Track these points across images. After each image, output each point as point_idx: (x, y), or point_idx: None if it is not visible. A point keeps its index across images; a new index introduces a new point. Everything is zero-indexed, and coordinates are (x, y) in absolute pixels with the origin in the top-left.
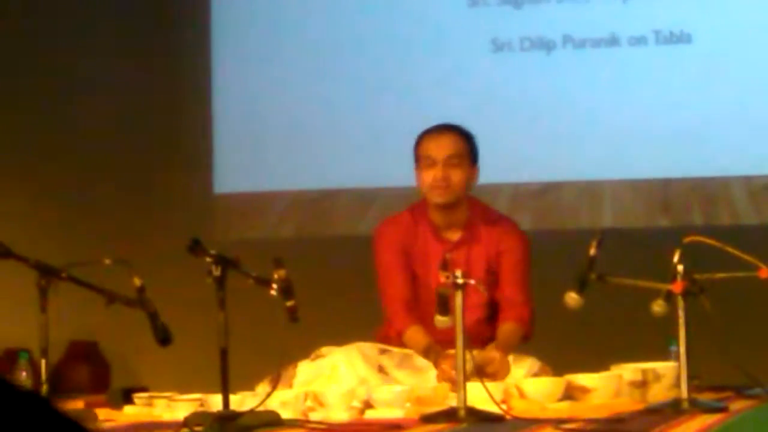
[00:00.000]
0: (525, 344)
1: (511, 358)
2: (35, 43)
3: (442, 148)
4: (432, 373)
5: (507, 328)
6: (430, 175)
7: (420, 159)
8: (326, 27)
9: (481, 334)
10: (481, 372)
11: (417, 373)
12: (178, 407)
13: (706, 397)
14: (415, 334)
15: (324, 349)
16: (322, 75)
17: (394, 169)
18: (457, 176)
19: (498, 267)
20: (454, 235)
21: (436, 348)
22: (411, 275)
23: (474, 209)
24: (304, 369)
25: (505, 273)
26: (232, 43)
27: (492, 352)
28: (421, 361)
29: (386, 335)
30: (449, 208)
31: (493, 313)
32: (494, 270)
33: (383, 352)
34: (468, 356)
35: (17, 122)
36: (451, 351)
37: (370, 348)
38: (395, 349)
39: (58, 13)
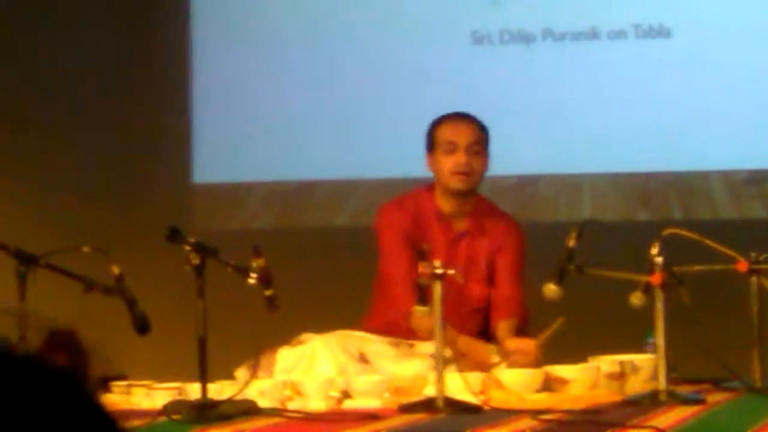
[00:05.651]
0: None
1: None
2: (14, 33)
3: (464, 134)
4: (416, 361)
5: (511, 323)
6: (451, 161)
7: (439, 144)
8: (305, 18)
9: (472, 326)
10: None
11: (401, 361)
12: (156, 395)
13: (683, 389)
14: (423, 315)
15: (304, 336)
16: (301, 66)
17: (373, 160)
18: (478, 163)
19: (496, 262)
20: (460, 225)
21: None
22: (415, 258)
23: (480, 201)
24: (285, 355)
25: (504, 269)
26: (211, 33)
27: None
28: (407, 349)
29: (380, 316)
30: (463, 197)
31: (486, 306)
32: (492, 264)
33: (367, 339)
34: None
35: None
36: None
37: (351, 336)
38: (381, 337)
39: (38, 4)
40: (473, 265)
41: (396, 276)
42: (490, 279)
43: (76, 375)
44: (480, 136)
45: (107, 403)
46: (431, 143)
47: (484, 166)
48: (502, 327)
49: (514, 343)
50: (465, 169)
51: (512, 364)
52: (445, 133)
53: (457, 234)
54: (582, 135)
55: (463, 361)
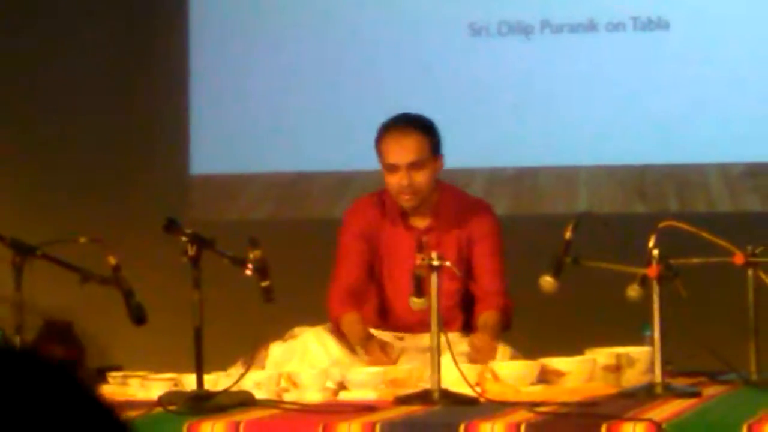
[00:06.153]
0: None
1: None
2: (13, 25)
3: (403, 153)
4: (406, 357)
5: (490, 315)
6: (394, 180)
7: (381, 161)
8: (303, 10)
9: (452, 321)
10: (474, 358)
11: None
12: (152, 386)
13: (679, 382)
14: (353, 322)
15: (296, 330)
16: (298, 58)
17: (370, 152)
18: (421, 178)
19: (471, 255)
20: (423, 222)
21: (376, 339)
22: (366, 264)
23: (445, 194)
24: (277, 350)
25: (480, 262)
26: (210, 25)
27: (485, 339)
28: (396, 342)
29: (368, 314)
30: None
31: (465, 300)
32: (466, 257)
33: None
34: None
35: None
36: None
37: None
38: (372, 330)
39: None
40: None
41: (336, 277)
42: (465, 273)
43: (71, 366)
44: (422, 151)
45: (104, 394)
46: (377, 154)
47: (431, 175)
48: (480, 320)
49: (473, 340)
50: (408, 189)
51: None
52: (385, 153)
53: (420, 231)
54: (579, 127)
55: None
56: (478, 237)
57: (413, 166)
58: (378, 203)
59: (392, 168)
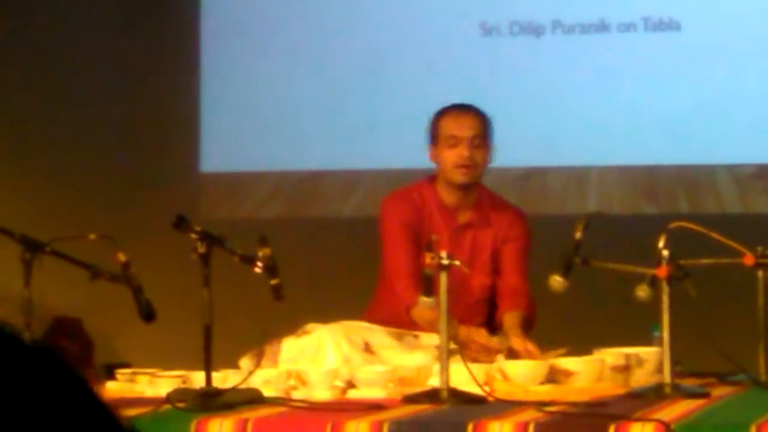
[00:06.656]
0: None
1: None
2: (21, 20)
3: (466, 127)
4: (420, 354)
5: (519, 315)
6: (454, 154)
7: (441, 138)
8: (313, 10)
9: (477, 317)
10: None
11: (405, 352)
12: (160, 384)
13: (688, 382)
14: (423, 309)
15: (309, 326)
16: (309, 56)
17: (380, 151)
18: (480, 156)
19: (501, 253)
20: (463, 217)
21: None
22: (418, 250)
23: (483, 193)
24: (289, 345)
25: (510, 261)
26: (220, 23)
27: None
28: (411, 341)
29: (381, 307)
30: (466, 189)
31: (491, 297)
32: (498, 256)
33: (371, 330)
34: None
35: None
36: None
37: (356, 326)
38: (385, 328)
39: None
40: (477, 256)
41: (397, 269)
42: (494, 270)
43: (55, 350)
44: (482, 129)
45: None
46: (434, 136)
47: (487, 158)
48: (509, 319)
49: (518, 343)
50: (467, 162)
51: (512, 357)
52: (447, 126)
53: (460, 225)
54: (589, 128)
55: (465, 351)
56: (511, 237)
57: (474, 140)
58: (414, 197)
59: (453, 140)
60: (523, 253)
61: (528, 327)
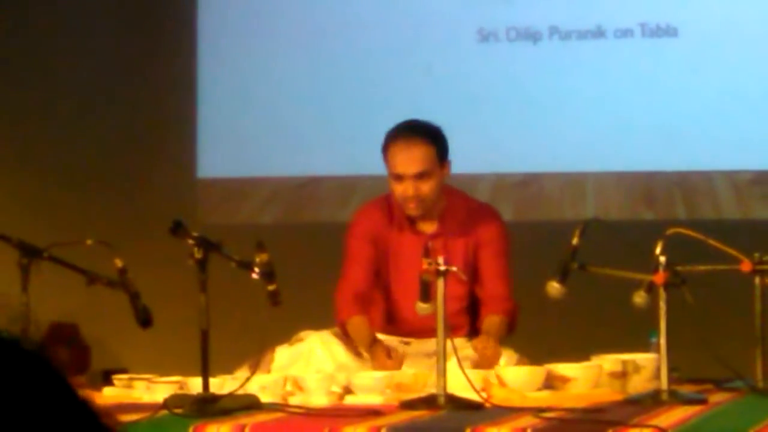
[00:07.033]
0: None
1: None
2: (18, 25)
3: (409, 164)
4: (411, 361)
5: (494, 320)
6: (400, 189)
7: (388, 169)
8: (311, 15)
9: (459, 326)
10: (478, 363)
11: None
12: (157, 389)
13: (685, 389)
14: (360, 325)
15: (302, 333)
16: (306, 62)
17: (377, 157)
18: (427, 188)
19: (477, 259)
20: (430, 227)
21: (382, 343)
22: (373, 268)
23: (452, 199)
24: (282, 354)
25: (486, 266)
26: (218, 29)
27: (489, 344)
28: (404, 348)
29: (373, 316)
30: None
31: (471, 305)
32: (472, 262)
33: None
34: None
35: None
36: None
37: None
38: (378, 334)
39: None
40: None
41: (342, 282)
42: (472, 278)
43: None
44: (428, 161)
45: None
46: (384, 160)
47: (438, 183)
48: (485, 324)
49: (476, 344)
50: (414, 199)
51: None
52: (392, 161)
53: (427, 236)
54: (587, 133)
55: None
56: (484, 241)
57: (419, 176)
58: (385, 207)
59: (398, 177)
60: (499, 254)
61: (509, 329)
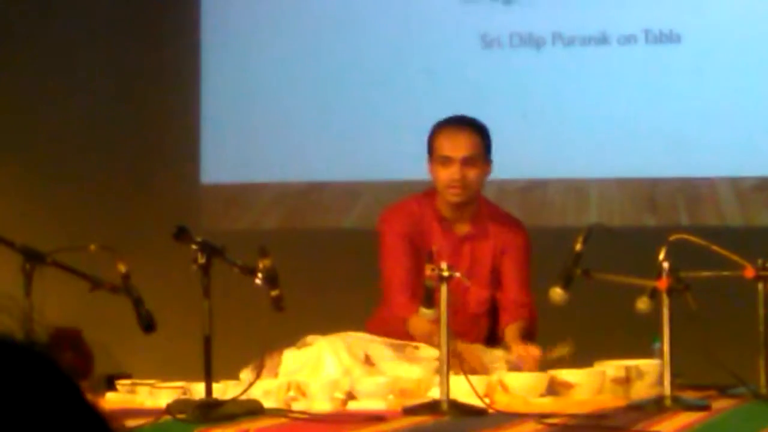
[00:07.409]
0: None
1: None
2: (23, 28)
3: (458, 148)
4: (419, 366)
5: (519, 326)
6: (446, 174)
7: (435, 155)
8: (315, 20)
9: (477, 330)
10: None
11: (405, 364)
12: (160, 394)
13: (688, 395)
14: (419, 321)
15: (309, 338)
16: (311, 67)
17: (381, 163)
18: (473, 175)
19: (501, 265)
20: (462, 229)
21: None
22: (417, 263)
23: (483, 204)
24: (290, 357)
25: (510, 272)
26: (221, 34)
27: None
28: (412, 352)
29: (382, 319)
30: (463, 204)
31: (491, 310)
32: (497, 268)
33: (372, 341)
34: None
35: (3, 108)
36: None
37: (356, 338)
38: (385, 339)
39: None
40: (477, 268)
41: (394, 282)
42: (494, 282)
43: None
44: (477, 148)
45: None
46: (429, 151)
47: (482, 175)
48: (510, 331)
49: (519, 350)
50: (458, 184)
51: (514, 369)
52: (441, 145)
53: (460, 237)
54: (590, 140)
55: (460, 365)
56: (510, 248)
57: (467, 161)
58: (416, 209)
59: (446, 161)
60: (523, 263)
61: (529, 338)
